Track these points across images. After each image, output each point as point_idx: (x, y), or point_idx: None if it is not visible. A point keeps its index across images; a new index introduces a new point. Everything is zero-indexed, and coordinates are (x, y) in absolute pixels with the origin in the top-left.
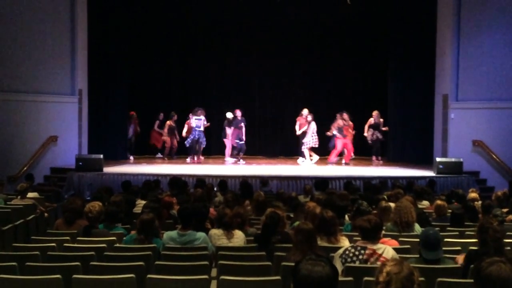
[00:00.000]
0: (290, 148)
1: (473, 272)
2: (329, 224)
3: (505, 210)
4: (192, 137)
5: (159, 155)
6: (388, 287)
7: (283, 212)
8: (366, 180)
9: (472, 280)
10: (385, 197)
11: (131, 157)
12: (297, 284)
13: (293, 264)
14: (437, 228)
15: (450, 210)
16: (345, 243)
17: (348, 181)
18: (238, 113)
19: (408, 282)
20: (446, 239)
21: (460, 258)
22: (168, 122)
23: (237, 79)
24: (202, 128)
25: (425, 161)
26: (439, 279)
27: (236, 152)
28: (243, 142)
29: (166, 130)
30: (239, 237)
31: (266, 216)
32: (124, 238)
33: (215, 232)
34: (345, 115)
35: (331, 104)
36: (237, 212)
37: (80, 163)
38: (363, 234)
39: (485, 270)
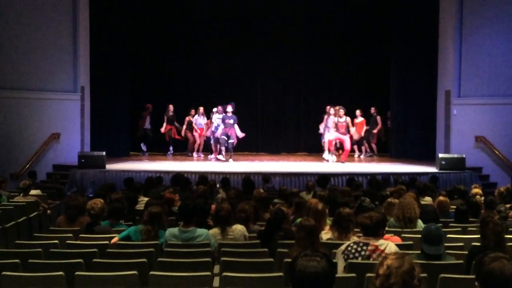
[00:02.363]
0: (293, 145)
1: (475, 266)
2: (344, 220)
3: (508, 205)
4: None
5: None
6: (388, 281)
7: (287, 209)
8: (369, 176)
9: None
10: (388, 193)
11: (144, 147)
12: (294, 280)
13: None
14: (440, 224)
15: (452, 206)
16: None
17: (351, 177)
18: (229, 108)
19: (408, 277)
20: (448, 235)
21: None
22: (187, 118)
23: (239, 74)
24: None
25: (428, 157)
26: (442, 275)
27: (220, 149)
28: (233, 141)
29: (186, 125)
30: (234, 232)
31: (271, 213)
32: (129, 228)
33: (211, 232)
34: (341, 111)
35: (333, 100)
36: (242, 208)
37: (83, 160)
38: (365, 231)
39: (488, 266)
